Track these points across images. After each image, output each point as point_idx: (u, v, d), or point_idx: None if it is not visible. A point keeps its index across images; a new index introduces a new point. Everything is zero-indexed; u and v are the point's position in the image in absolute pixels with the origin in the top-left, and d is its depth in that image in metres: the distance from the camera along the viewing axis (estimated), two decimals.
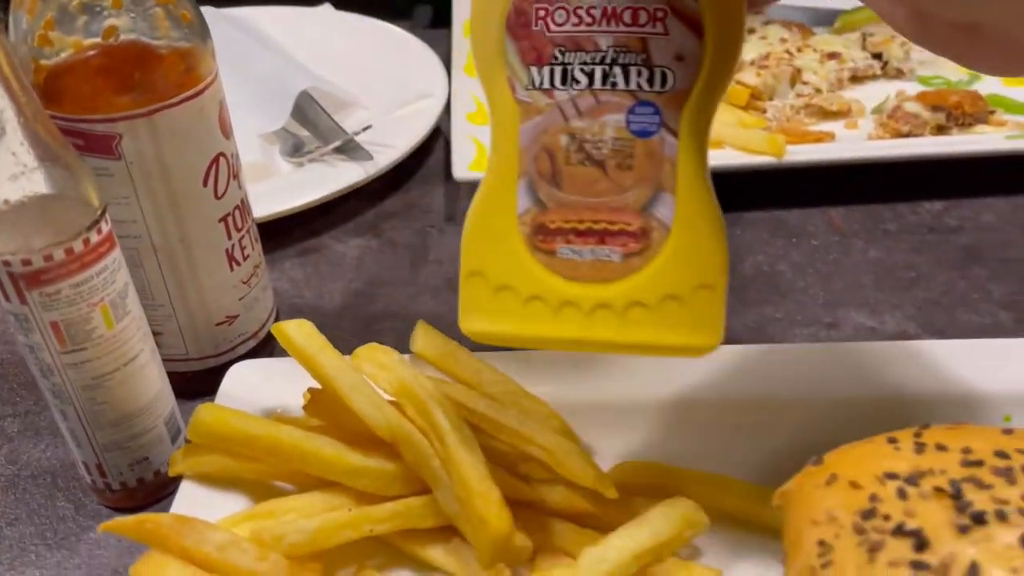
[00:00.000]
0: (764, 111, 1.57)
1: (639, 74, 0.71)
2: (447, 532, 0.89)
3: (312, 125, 1.55)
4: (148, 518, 0.84)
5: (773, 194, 1.43)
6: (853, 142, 1.48)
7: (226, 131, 1.01)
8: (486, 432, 0.94)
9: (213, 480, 0.93)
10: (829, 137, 1.49)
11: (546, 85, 0.73)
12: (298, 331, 0.93)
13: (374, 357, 0.97)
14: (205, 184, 0.99)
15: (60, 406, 0.90)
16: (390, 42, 1.82)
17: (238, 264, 1.07)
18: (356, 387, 0.90)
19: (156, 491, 0.99)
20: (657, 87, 0.71)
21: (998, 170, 1.43)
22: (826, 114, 1.56)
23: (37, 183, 0.80)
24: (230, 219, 1.04)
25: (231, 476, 0.92)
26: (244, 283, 1.09)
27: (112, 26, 0.89)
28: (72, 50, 0.90)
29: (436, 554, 0.88)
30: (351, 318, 1.26)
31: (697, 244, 0.71)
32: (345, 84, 1.66)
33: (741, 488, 0.91)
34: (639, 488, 0.92)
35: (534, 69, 0.73)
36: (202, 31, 0.96)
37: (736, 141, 1.42)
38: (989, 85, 1.54)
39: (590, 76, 0.72)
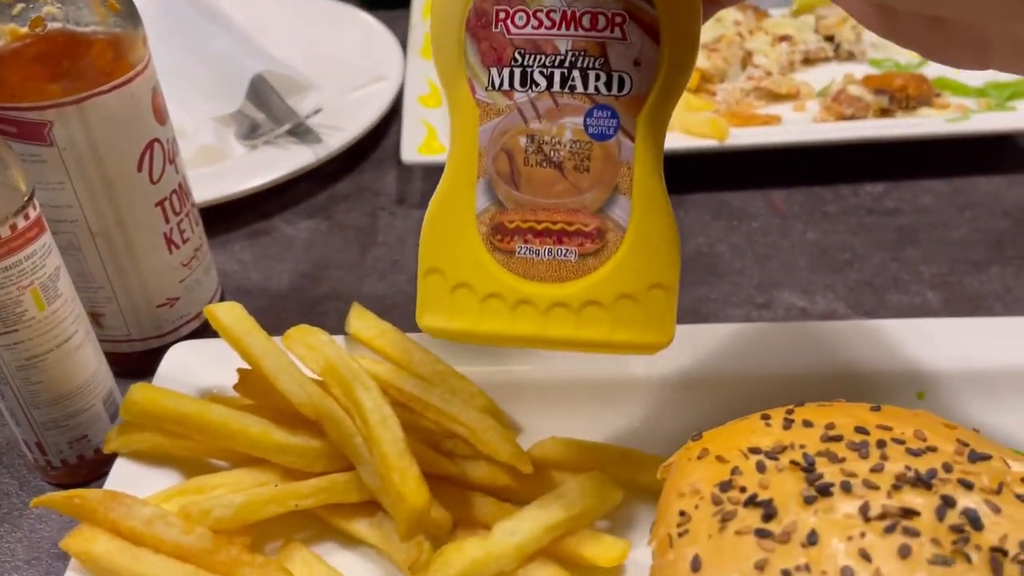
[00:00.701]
0: (714, 94, 1.59)
1: (597, 78, 0.72)
2: (371, 507, 0.92)
3: (267, 108, 1.57)
4: (77, 493, 0.87)
5: (716, 177, 1.45)
6: (798, 125, 1.50)
7: (161, 117, 1.03)
8: (413, 410, 0.98)
9: (147, 457, 0.96)
10: (775, 120, 1.51)
11: (506, 87, 0.73)
12: (227, 313, 0.96)
13: (304, 338, 1.00)
14: (140, 169, 1.01)
15: None
16: (350, 24, 1.84)
17: (177, 247, 1.10)
18: (282, 368, 0.93)
19: (97, 468, 1.02)
20: (615, 91, 0.72)
21: (939, 152, 1.45)
22: (775, 97, 1.58)
23: None
24: (167, 203, 1.06)
25: (164, 453, 0.95)
26: (184, 266, 1.12)
27: (39, 16, 0.91)
28: (8, 39, 0.92)
29: (360, 527, 0.92)
30: (297, 299, 1.29)
31: (651, 245, 0.74)
32: (302, 66, 1.68)
33: (656, 463, 0.94)
34: (558, 464, 0.95)
35: (494, 70, 0.73)
36: (133, 18, 0.98)
37: (680, 124, 1.44)
38: (936, 68, 1.56)
39: (549, 79, 0.73)
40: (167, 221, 1.07)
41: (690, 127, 1.43)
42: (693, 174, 1.45)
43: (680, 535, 0.56)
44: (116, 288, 1.07)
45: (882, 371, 0.99)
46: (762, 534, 0.54)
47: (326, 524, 0.93)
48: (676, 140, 1.42)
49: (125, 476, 0.94)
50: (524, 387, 1.03)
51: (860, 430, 0.60)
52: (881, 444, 0.59)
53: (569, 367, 1.05)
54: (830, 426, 0.62)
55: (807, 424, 0.63)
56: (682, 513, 0.58)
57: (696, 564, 0.54)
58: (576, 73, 0.72)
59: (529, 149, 0.73)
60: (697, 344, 1.05)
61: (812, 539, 0.52)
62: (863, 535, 0.53)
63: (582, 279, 0.74)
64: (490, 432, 0.93)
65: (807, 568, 0.51)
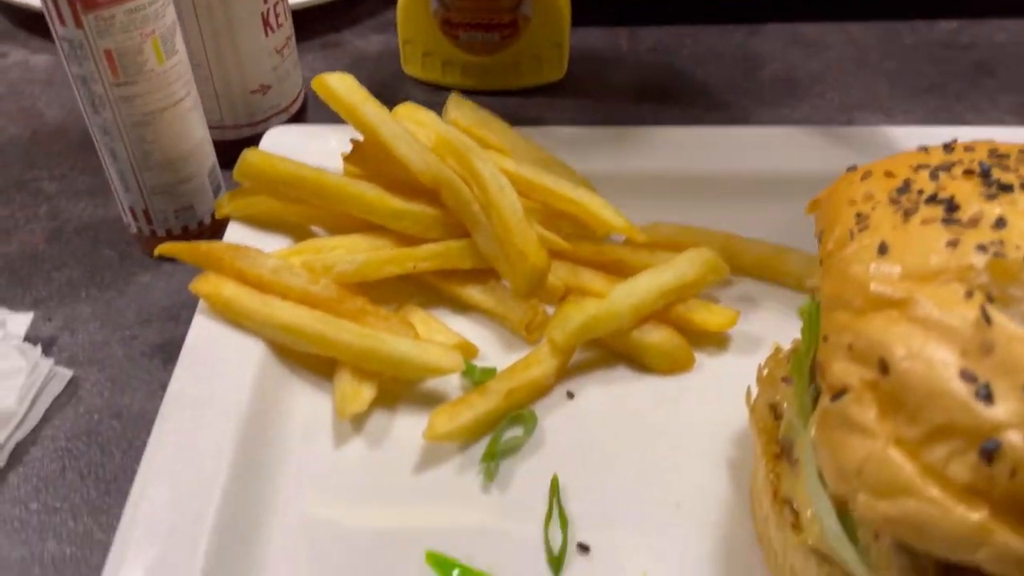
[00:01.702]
0: None
1: None
2: (484, 274, 0.94)
3: None
4: (202, 243, 0.89)
5: (792, 9, 1.44)
6: None
7: None
8: (520, 192, 0.99)
9: (258, 223, 0.97)
10: None
11: None
12: (341, 83, 0.96)
13: (413, 115, 1.00)
14: None
15: (109, 144, 0.93)
16: None
17: (272, 31, 1.08)
18: (399, 135, 0.93)
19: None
20: None
21: None
22: None
23: None
24: None
25: (276, 219, 0.96)
26: (278, 52, 1.10)
27: None
28: None
29: (474, 293, 0.94)
30: None
31: (551, 22, 1.24)
32: None
33: (759, 245, 0.97)
34: (664, 244, 0.97)
35: None
36: None
37: None
38: None
39: None
40: (265, 1, 1.05)
41: None
42: (767, 6, 1.43)
43: (860, 230, 0.59)
44: (213, 67, 1.06)
45: None
46: (949, 222, 0.56)
47: (438, 292, 0.95)
48: None
49: (238, 240, 0.95)
50: (615, 179, 1.04)
51: None
52: None
53: (657, 162, 1.06)
54: (994, 149, 0.63)
55: (969, 149, 0.65)
56: (858, 215, 0.60)
57: (883, 248, 0.56)
58: None
59: None
60: (774, 144, 1.06)
61: (1001, 223, 0.55)
62: None
63: (505, 51, 1.26)
64: (602, 207, 0.94)
65: (1001, 243, 0.53)
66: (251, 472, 0.77)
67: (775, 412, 0.76)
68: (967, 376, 0.49)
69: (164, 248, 0.88)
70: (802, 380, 0.75)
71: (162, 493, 0.73)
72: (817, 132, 1.09)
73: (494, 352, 0.91)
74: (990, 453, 0.48)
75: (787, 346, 0.81)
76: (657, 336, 0.88)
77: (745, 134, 1.09)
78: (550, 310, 0.92)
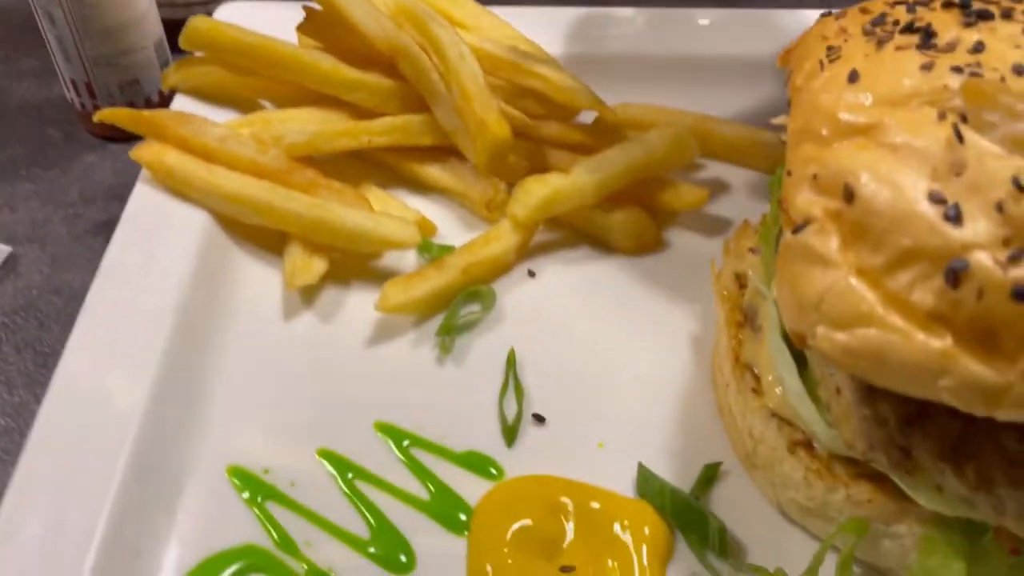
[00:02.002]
0: None
1: None
2: (443, 152, 0.90)
3: None
4: (144, 112, 0.84)
5: None
6: None
7: None
8: (483, 69, 0.94)
9: (207, 96, 0.92)
10: None
11: None
12: None
13: None
14: None
15: (48, 8, 0.87)
16: None
17: None
18: (355, 1, 0.88)
19: None
20: None
21: None
22: None
23: None
24: None
25: (225, 92, 0.91)
26: None
27: None
28: None
29: (432, 171, 0.90)
30: None
31: None
32: None
33: (731, 126, 0.93)
34: (633, 124, 0.93)
35: None
36: None
37: None
38: None
39: None
40: None
41: None
42: None
43: (831, 61, 0.55)
44: None
45: None
46: (925, 47, 0.52)
47: (395, 171, 0.91)
48: None
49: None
50: (585, 60, 0.99)
51: None
52: None
53: (629, 43, 1.02)
54: None
55: None
56: (830, 48, 0.56)
57: (853, 76, 0.52)
58: None
59: None
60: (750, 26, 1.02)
61: (979, 47, 0.51)
62: None
63: None
64: (568, 81, 0.90)
65: (978, 65, 0.50)
66: (193, 342, 0.73)
67: (740, 282, 0.73)
68: (935, 198, 0.46)
69: (104, 114, 0.83)
70: (769, 248, 0.72)
71: (96, 355, 0.69)
72: (798, 15, 1.04)
73: (453, 233, 0.87)
74: (957, 274, 0.45)
75: (755, 222, 0.78)
76: (623, 215, 0.85)
77: (724, 16, 1.05)
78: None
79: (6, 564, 0.58)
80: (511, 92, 0.93)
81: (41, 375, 0.77)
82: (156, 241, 0.78)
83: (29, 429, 0.72)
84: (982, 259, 0.44)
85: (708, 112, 0.94)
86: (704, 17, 1.05)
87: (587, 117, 0.94)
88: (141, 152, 0.82)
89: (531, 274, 0.84)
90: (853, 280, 0.48)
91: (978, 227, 0.45)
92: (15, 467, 0.62)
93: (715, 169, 0.93)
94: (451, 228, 0.88)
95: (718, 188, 0.91)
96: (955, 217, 0.45)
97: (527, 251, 0.85)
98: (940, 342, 0.45)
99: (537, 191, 0.82)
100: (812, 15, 1.03)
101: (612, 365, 0.76)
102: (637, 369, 0.75)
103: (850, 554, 0.59)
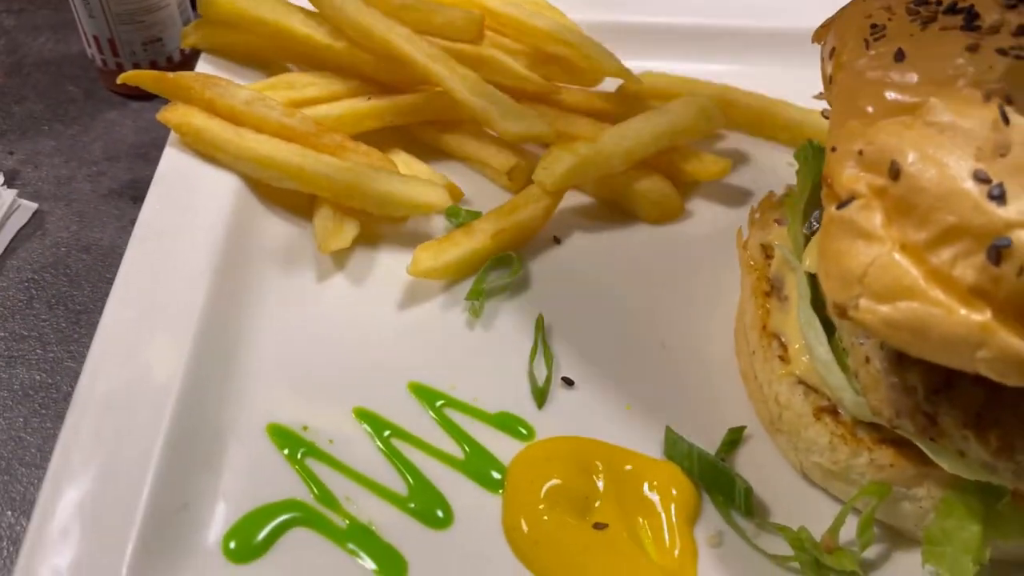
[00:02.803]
0: None
1: None
2: (464, 122, 0.90)
3: None
4: (169, 74, 0.83)
5: None
6: None
7: None
8: (507, 35, 0.94)
9: (231, 57, 0.92)
10: None
11: None
12: None
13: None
14: None
15: None
16: None
17: None
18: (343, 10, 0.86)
19: None
20: None
21: None
22: None
23: None
24: None
25: (247, 53, 0.91)
26: None
27: None
28: None
29: (454, 140, 0.90)
30: None
31: None
32: None
33: (755, 97, 0.94)
34: (657, 94, 0.94)
35: None
36: None
37: None
38: None
39: None
40: None
41: None
42: None
43: (876, 39, 0.56)
44: None
45: None
46: (969, 28, 0.54)
47: (416, 139, 0.92)
48: None
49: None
50: (610, 30, 1.00)
51: None
52: None
53: (653, 12, 1.03)
54: None
55: None
56: (874, 26, 0.58)
57: (900, 55, 0.54)
58: None
59: None
60: None
61: (1022, 30, 0.53)
62: None
63: None
64: (594, 47, 0.91)
65: (1022, 48, 0.51)
66: (229, 303, 0.75)
67: (766, 252, 0.75)
68: (980, 177, 0.48)
69: (128, 76, 0.83)
70: (796, 220, 0.74)
71: (136, 317, 0.70)
72: None
73: (479, 200, 0.88)
74: (999, 251, 0.46)
75: (779, 193, 0.80)
76: (647, 183, 0.86)
77: None
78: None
79: (56, 520, 0.59)
80: (535, 58, 0.94)
81: (75, 332, 0.78)
82: (188, 204, 0.79)
83: (65, 385, 0.74)
84: None
85: (732, 83, 0.95)
86: None
87: (610, 85, 0.95)
88: (168, 114, 0.82)
89: (556, 240, 0.86)
90: (897, 255, 0.50)
91: (1021, 206, 0.47)
92: (62, 426, 0.63)
93: (737, 140, 0.95)
94: (475, 194, 0.89)
95: (740, 159, 0.93)
96: (999, 196, 0.47)
97: (552, 218, 0.86)
98: (980, 316, 0.47)
99: (565, 159, 0.83)
100: None
101: (638, 331, 0.78)
102: (663, 336, 0.77)
103: (871, 515, 0.62)
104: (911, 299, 0.49)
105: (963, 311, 0.48)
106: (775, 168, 0.92)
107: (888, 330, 0.50)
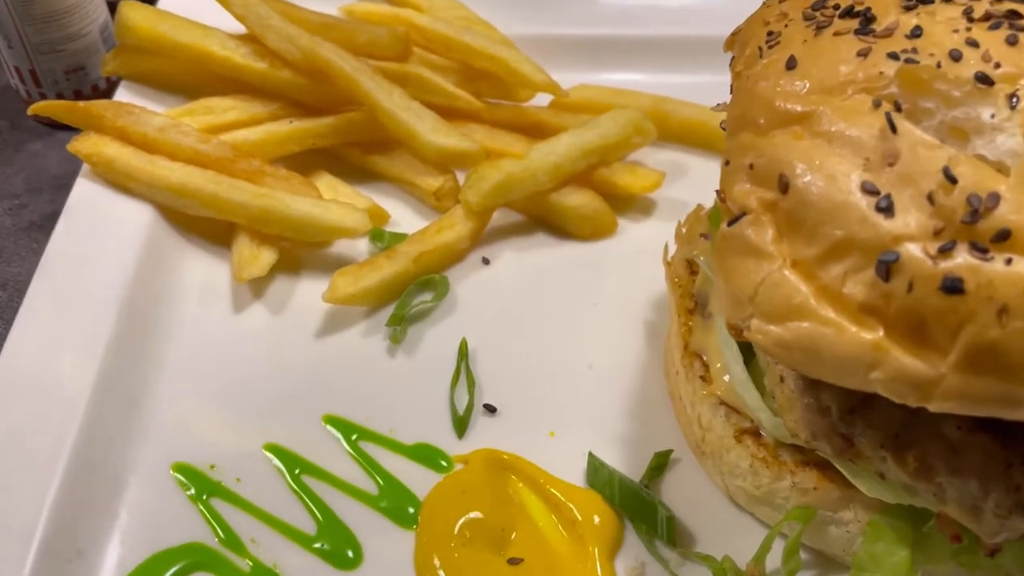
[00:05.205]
0: None
1: None
2: (387, 143, 0.88)
3: None
4: (80, 103, 0.81)
5: None
6: None
7: None
8: (435, 51, 0.92)
9: (151, 83, 0.89)
10: None
11: None
12: None
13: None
14: None
15: None
16: None
17: None
18: (270, 28, 0.84)
19: None
20: None
21: None
22: None
23: None
24: None
25: (168, 78, 0.89)
26: None
27: None
28: None
29: (380, 161, 0.88)
30: None
31: None
32: None
33: (689, 107, 0.92)
34: (589, 106, 0.92)
35: None
36: None
37: None
38: None
39: None
40: None
41: None
42: None
43: (771, 47, 0.54)
44: None
45: None
46: (863, 32, 0.51)
47: (342, 159, 0.89)
48: None
49: (129, 101, 0.88)
50: (543, 42, 0.98)
51: None
52: None
53: (590, 22, 1.01)
54: None
55: None
56: (770, 33, 0.55)
57: (791, 63, 0.51)
58: None
59: None
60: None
61: (916, 32, 0.50)
62: (968, 30, 0.50)
63: None
64: (524, 63, 0.88)
65: (914, 51, 0.49)
66: (138, 335, 0.72)
67: (691, 268, 0.73)
68: (868, 188, 0.46)
69: (39, 107, 0.81)
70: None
71: (38, 349, 0.68)
72: None
73: (407, 221, 0.86)
74: (888, 267, 0.44)
75: (709, 207, 0.77)
76: (578, 199, 0.84)
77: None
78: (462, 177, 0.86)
79: None
80: (465, 74, 0.92)
81: None
82: (99, 233, 0.76)
83: None
84: (912, 251, 0.44)
85: (668, 94, 0.93)
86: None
87: (544, 100, 0.93)
88: (79, 144, 0.80)
89: (485, 261, 0.83)
90: (787, 272, 0.47)
91: (909, 219, 0.44)
92: None
93: (673, 151, 0.92)
94: (404, 215, 0.87)
95: (676, 170, 0.90)
96: (887, 208, 0.45)
97: (482, 237, 0.84)
98: (872, 335, 0.45)
99: (491, 176, 0.81)
100: None
101: (566, 353, 0.75)
102: (591, 357, 0.75)
103: (797, 541, 0.59)
104: (802, 319, 0.47)
105: (854, 330, 0.45)
106: (711, 178, 0.89)
107: (781, 351, 0.48)
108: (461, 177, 0.86)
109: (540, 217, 0.86)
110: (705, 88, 0.93)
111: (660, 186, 0.86)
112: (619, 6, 1.02)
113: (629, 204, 0.87)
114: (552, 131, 0.88)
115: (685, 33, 0.99)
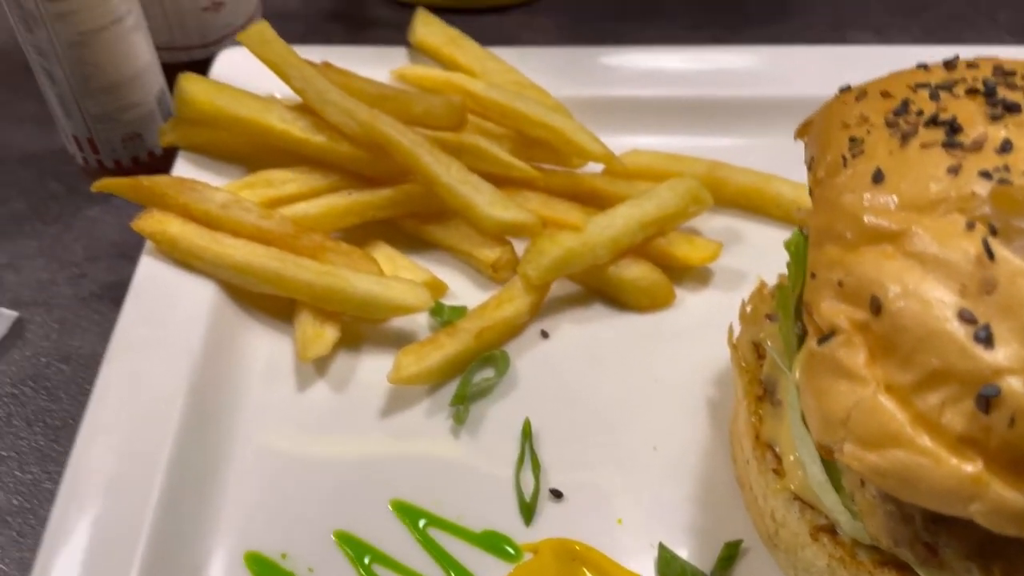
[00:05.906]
0: None
1: None
2: (446, 215, 0.88)
3: None
4: (144, 178, 0.82)
5: None
6: None
7: None
8: (490, 118, 0.93)
9: (209, 153, 0.90)
10: None
11: None
12: (258, 38, 0.88)
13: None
14: None
15: (46, 66, 0.86)
16: None
17: None
18: (329, 103, 0.85)
19: (152, 174, 0.97)
20: None
21: None
22: None
23: None
24: None
25: (226, 150, 0.90)
26: None
27: None
28: None
29: (437, 231, 0.88)
30: (343, 23, 1.20)
31: None
32: None
33: (744, 173, 0.91)
34: (644, 173, 0.92)
35: None
36: None
37: None
38: None
39: None
40: None
41: None
42: None
43: (854, 156, 0.54)
44: None
45: None
46: (951, 145, 0.51)
47: (400, 229, 0.90)
48: None
49: (188, 172, 0.89)
50: (593, 105, 0.98)
51: None
52: None
53: (639, 87, 1.01)
54: (998, 66, 0.58)
55: (972, 66, 0.59)
56: (852, 139, 0.55)
57: (878, 176, 0.51)
58: None
59: None
60: (762, 66, 1.01)
61: (1007, 147, 0.50)
62: None
63: None
64: (579, 132, 0.89)
65: (1007, 169, 0.48)
66: (206, 417, 0.73)
67: (758, 351, 0.72)
68: (966, 317, 0.45)
69: (102, 184, 0.82)
70: (787, 317, 0.71)
71: (110, 440, 0.69)
72: (808, 52, 1.02)
73: (465, 291, 0.86)
74: (988, 400, 0.44)
75: (772, 281, 0.77)
76: (635, 271, 0.84)
77: (732, 55, 1.03)
78: (521, 247, 0.86)
79: None
80: (519, 142, 0.92)
81: (53, 450, 0.77)
82: (163, 317, 0.77)
83: (42, 510, 0.72)
84: (1014, 386, 0.43)
85: (721, 155, 0.93)
86: (715, 55, 1.03)
87: (596, 165, 0.93)
88: (143, 223, 0.80)
89: (544, 335, 0.83)
90: (882, 398, 0.47)
91: (1009, 351, 0.44)
92: (34, 560, 0.62)
93: (729, 217, 0.92)
94: (462, 286, 0.87)
95: (732, 238, 0.90)
96: (986, 339, 0.44)
97: (539, 310, 0.84)
98: (971, 467, 0.45)
99: (550, 251, 0.81)
100: (823, 51, 1.02)
101: (630, 433, 0.75)
102: (655, 438, 0.75)
103: None
104: (898, 447, 0.46)
105: (953, 461, 0.45)
106: (768, 247, 0.89)
107: (876, 478, 0.47)
108: (517, 245, 0.87)
109: (597, 289, 0.86)
110: (758, 151, 0.94)
111: (718, 256, 0.86)
112: (669, 69, 1.01)
113: (686, 273, 0.87)
114: (607, 199, 0.88)
115: (736, 94, 0.99)
